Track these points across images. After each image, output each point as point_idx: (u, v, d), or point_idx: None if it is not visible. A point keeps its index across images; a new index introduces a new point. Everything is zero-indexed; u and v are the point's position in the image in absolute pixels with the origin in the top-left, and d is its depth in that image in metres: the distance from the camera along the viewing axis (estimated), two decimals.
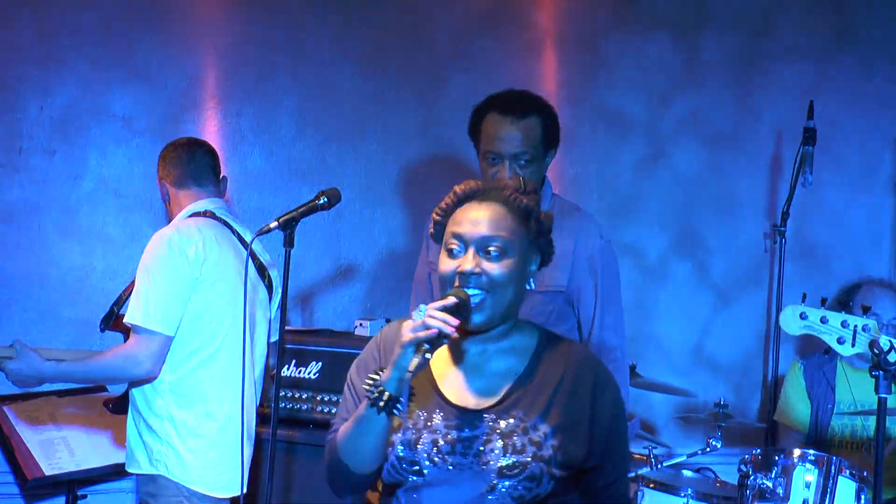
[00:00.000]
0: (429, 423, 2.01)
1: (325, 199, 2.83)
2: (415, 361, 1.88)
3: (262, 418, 3.29)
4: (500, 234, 2.01)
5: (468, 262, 2.00)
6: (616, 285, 3.07)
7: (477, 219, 2.02)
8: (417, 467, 1.99)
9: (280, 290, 2.96)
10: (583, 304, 3.03)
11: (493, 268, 2.00)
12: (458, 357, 2.08)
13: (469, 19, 4.22)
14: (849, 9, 4.54)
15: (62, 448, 3.54)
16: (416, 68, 4.16)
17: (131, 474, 3.18)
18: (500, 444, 1.97)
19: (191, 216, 3.19)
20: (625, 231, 4.35)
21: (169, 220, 3.30)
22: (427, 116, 4.18)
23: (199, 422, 3.06)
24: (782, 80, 4.47)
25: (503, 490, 1.95)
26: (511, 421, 1.99)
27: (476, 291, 1.99)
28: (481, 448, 1.97)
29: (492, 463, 1.96)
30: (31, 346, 3.02)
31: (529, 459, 1.95)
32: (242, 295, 2.81)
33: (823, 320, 2.73)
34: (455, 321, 1.90)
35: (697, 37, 4.42)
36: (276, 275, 3.28)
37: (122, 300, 3.18)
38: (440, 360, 2.08)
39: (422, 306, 1.93)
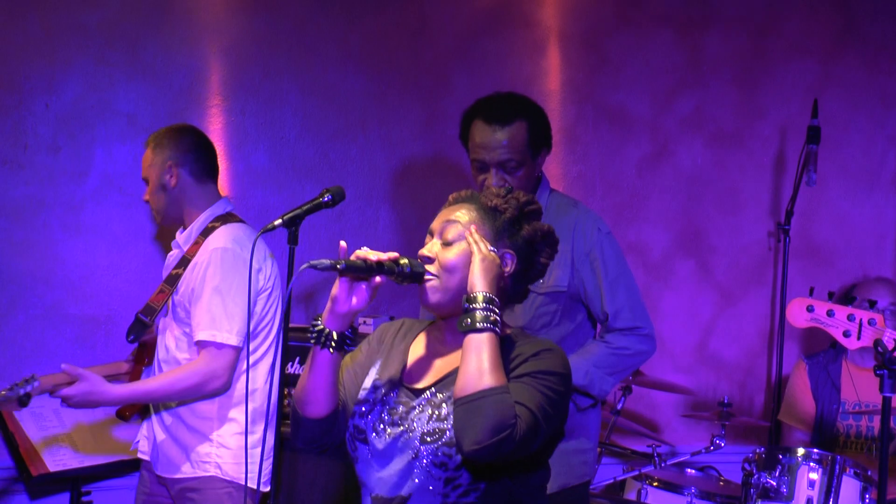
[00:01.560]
0: (383, 399, 2.15)
1: (330, 197, 2.82)
2: (326, 262, 2.01)
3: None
4: (458, 220, 2.14)
5: (427, 247, 2.15)
6: (622, 270, 3.05)
7: (445, 214, 2.18)
8: (364, 436, 2.13)
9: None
10: (590, 299, 3.03)
11: (444, 254, 2.13)
12: (430, 343, 2.21)
13: (473, 17, 4.22)
14: (853, 7, 4.53)
15: (66, 444, 3.55)
16: (419, 67, 4.16)
17: (135, 471, 3.20)
18: (427, 413, 2.07)
19: (216, 220, 3.17)
20: (628, 229, 4.35)
21: (163, 214, 3.22)
22: (431, 115, 4.18)
23: (250, 419, 3.10)
24: (786, 79, 4.47)
25: (425, 457, 2.04)
26: (446, 393, 2.08)
27: (430, 276, 2.12)
28: (412, 418, 2.09)
29: (417, 429, 2.06)
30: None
31: (446, 426, 2.03)
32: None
33: (830, 313, 2.74)
34: (382, 258, 2.06)
35: (701, 35, 4.42)
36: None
37: (153, 310, 3.14)
38: (419, 345, 2.23)
39: (363, 247, 2.11)
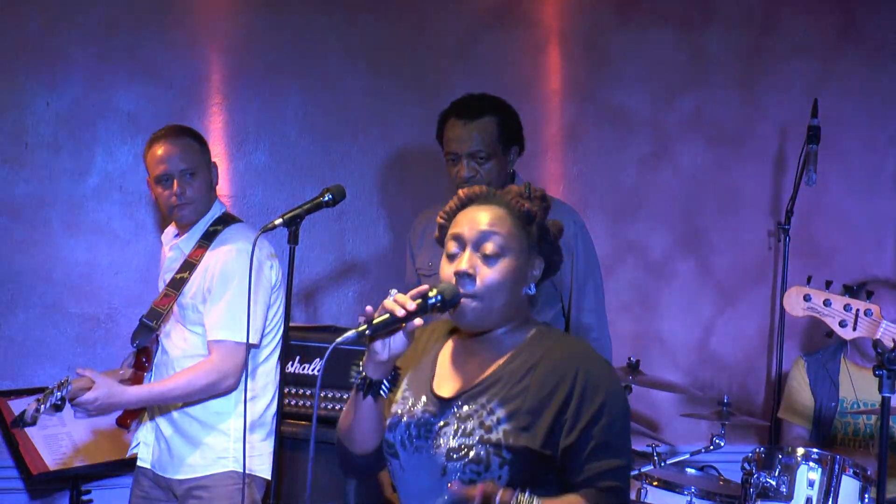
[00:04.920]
0: (411, 409, 2.07)
1: (330, 196, 2.83)
2: (350, 332, 1.90)
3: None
4: (498, 231, 2.02)
5: (464, 261, 2.01)
6: (592, 268, 3.19)
7: (476, 220, 2.04)
8: (393, 450, 2.06)
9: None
10: (564, 288, 3.16)
11: (488, 273, 2.00)
12: (458, 352, 2.12)
13: (474, 17, 4.22)
14: (854, 6, 4.53)
15: (67, 443, 3.55)
16: (420, 66, 4.16)
17: (134, 470, 3.20)
18: (454, 427, 2.00)
19: (217, 223, 3.17)
20: (629, 229, 4.35)
21: (199, 212, 3.17)
22: (431, 114, 4.16)
23: (262, 412, 3.13)
24: (787, 78, 4.47)
25: (452, 474, 1.97)
26: (473, 406, 2.01)
27: (469, 298, 1.99)
28: (438, 432, 2.01)
29: (443, 446, 1.99)
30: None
31: (475, 442, 1.96)
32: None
33: (827, 303, 2.73)
34: (410, 307, 1.91)
35: (702, 34, 4.42)
36: None
37: (158, 314, 3.12)
38: (447, 354, 2.13)
39: (392, 290, 1.97)
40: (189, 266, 3.13)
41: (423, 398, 2.07)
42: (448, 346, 2.15)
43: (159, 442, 3.16)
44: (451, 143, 3.14)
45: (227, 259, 3.06)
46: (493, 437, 1.96)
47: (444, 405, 2.04)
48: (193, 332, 3.12)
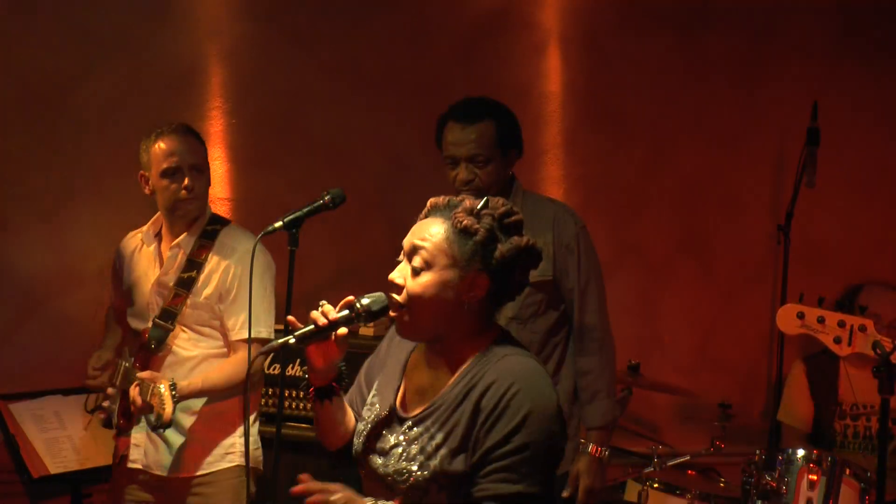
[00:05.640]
0: (375, 420, 2.12)
1: (330, 200, 2.84)
2: (276, 343, 2.00)
3: (266, 417, 3.37)
4: (425, 246, 2.02)
5: (396, 271, 2.06)
6: (594, 268, 3.22)
7: (415, 231, 2.07)
8: (357, 455, 2.13)
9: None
10: (566, 290, 3.18)
11: (412, 285, 2.02)
12: (421, 363, 2.13)
13: (473, 20, 4.22)
14: (854, 8, 4.53)
15: (67, 446, 3.55)
16: (419, 68, 4.17)
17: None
18: (400, 449, 2.03)
19: (214, 223, 3.21)
20: (629, 231, 4.36)
21: (201, 210, 3.19)
22: (431, 117, 4.16)
23: (260, 404, 3.30)
24: (787, 80, 4.47)
25: (398, 494, 2.00)
26: (419, 429, 2.03)
27: (396, 311, 2.04)
28: (389, 450, 2.05)
29: (390, 466, 2.03)
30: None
31: (415, 468, 1.99)
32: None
33: (820, 320, 2.73)
34: (332, 317, 2.00)
35: (702, 37, 4.42)
36: None
37: (172, 315, 3.14)
38: (414, 361, 2.16)
39: (321, 302, 2.04)
40: (195, 265, 3.15)
41: (387, 410, 2.11)
42: (416, 354, 2.16)
43: (153, 442, 3.17)
44: (449, 147, 3.16)
45: (246, 260, 3.05)
46: (432, 463, 1.98)
47: (400, 422, 2.08)
48: (200, 333, 3.15)
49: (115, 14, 3.87)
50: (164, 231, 3.24)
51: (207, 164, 3.21)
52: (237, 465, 3.16)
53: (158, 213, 3.25)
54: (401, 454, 2.02)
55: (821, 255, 4.50)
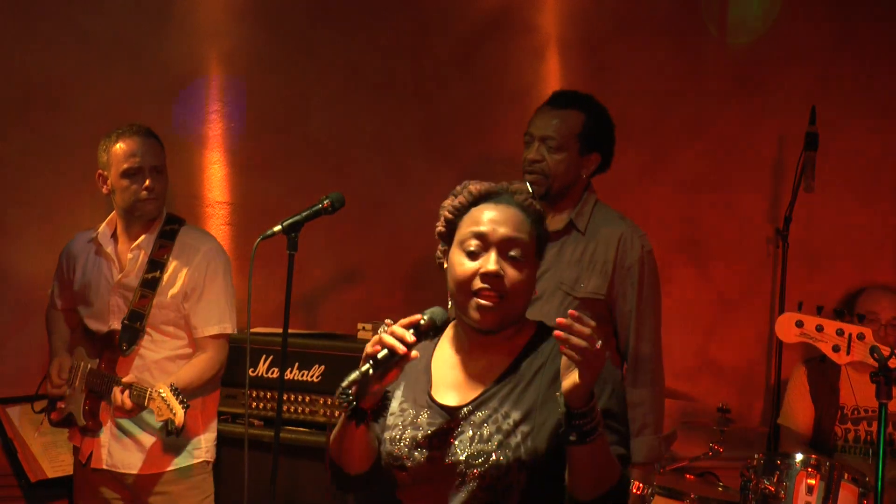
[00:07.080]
0: (414, 421, 2.04)
1: (329, 204, 2.84)
2: (353, 375, 1.88)
3: (266, 421, 3.41)
4: (522, 237, 2.02)
5: (491, 262, 1.98)
6: (655, 296, 3.11)
7: (498, 219, 2.02)
8: (400, 463, 2.02)
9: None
10: (620, 313, 3.07)
11: (514, 275, 1.99)
12: (456, 358, 2.10)
13: (472, 24, 4.23)
14: (852, 13, 4.54)
15: (65, 450, 3.54)
16: (418, 72, 4.17)
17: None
18: (468, 434, 1.98)
19: (171, 223, 3.27)
20: None
21: (160, 209, 3.25)
22: (429, 120, 4.19)
23: (220, 401, 3.39)
24: (784, 85, 4.47)
25: (472, 481, 1.95)
26: (486, 412, 2.00)
27: (490, 299, 1.98)
28: (452, 441, 1.99)
29: (459, 454, 1.97)
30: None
31: (494, 447, 1.95)
32: None
33: (819, 328, 2.74)
34: (410, 340, 1.90)
35: (700, 41, 4.42)
36: None
37: (140, 315, 3.16)
38: (441, 360, 2.11)
39: (387, 320, 1.96)
40: (157, 265, 3.19)
41: (427, 409, 2.05)
42: (441, 353, 2.12)
43: (120, 441, 3.18)
44: (531, 125, 3.10)
45: (211, 258, 3.22)
46: (513, 440, 1.96)
47: (453, 413, 2.02)
48: (164, 333, 3.19)
49: (115, 17, 3.87)
50: (119, 231, 3.26)
51: (165, 165, 3.25)
52: (203, 461, 3.25)
53: (113, 214, 3.28)
54: (472, 438, 1.97)
55: (819, 260, 4.50)
